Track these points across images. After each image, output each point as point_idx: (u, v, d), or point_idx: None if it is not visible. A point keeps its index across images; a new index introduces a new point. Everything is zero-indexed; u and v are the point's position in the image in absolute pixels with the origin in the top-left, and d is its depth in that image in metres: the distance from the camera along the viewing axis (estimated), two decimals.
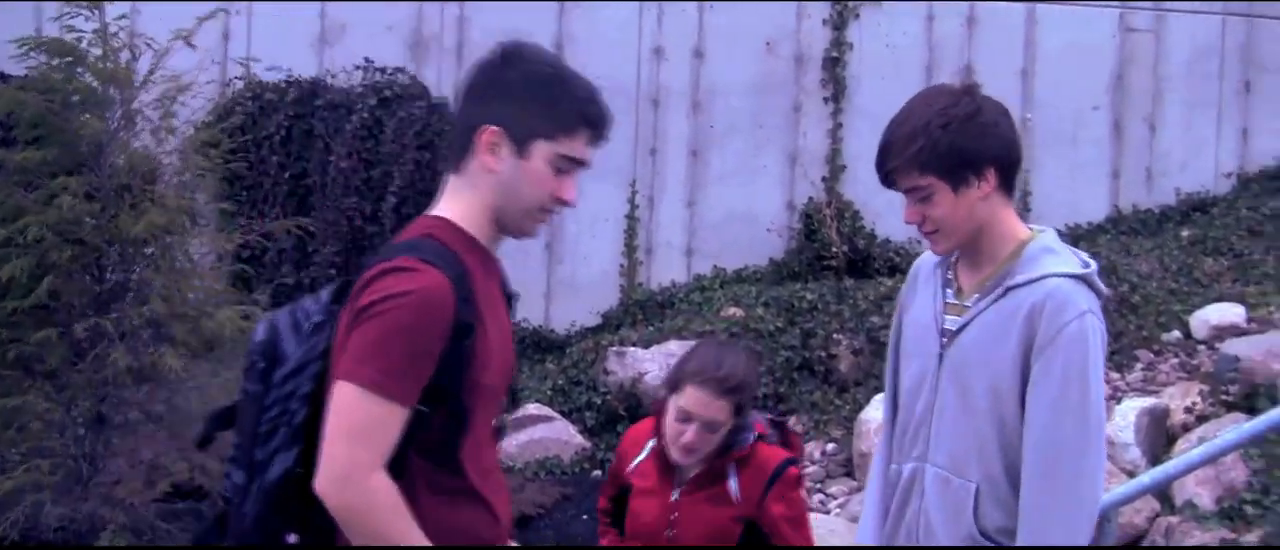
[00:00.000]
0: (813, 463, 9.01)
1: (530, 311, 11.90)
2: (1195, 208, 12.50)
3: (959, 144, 3.34)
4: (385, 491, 2.81)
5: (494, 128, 3.03)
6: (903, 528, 3.53)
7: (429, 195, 11.30)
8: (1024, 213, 12.31)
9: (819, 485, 8.76)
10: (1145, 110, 12.85)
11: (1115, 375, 8.75)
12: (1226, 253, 10.99)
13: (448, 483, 2.97)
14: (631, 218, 12.35)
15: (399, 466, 2.87)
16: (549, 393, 10.15)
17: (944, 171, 3.35)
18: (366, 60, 12.02)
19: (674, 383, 4.20)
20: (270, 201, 11.54)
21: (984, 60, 12.70)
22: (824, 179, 12.63)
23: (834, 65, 12.72)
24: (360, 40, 12.15)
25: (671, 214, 12.45)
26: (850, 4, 12.70)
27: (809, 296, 10.79)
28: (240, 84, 11.82)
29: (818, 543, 4.53)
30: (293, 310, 3.08)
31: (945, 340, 3.45)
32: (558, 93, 3.05)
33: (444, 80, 12.19)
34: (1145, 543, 6.80)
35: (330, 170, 11.60)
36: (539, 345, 11.81)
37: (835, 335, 10.12)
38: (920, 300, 3.58)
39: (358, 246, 11.58)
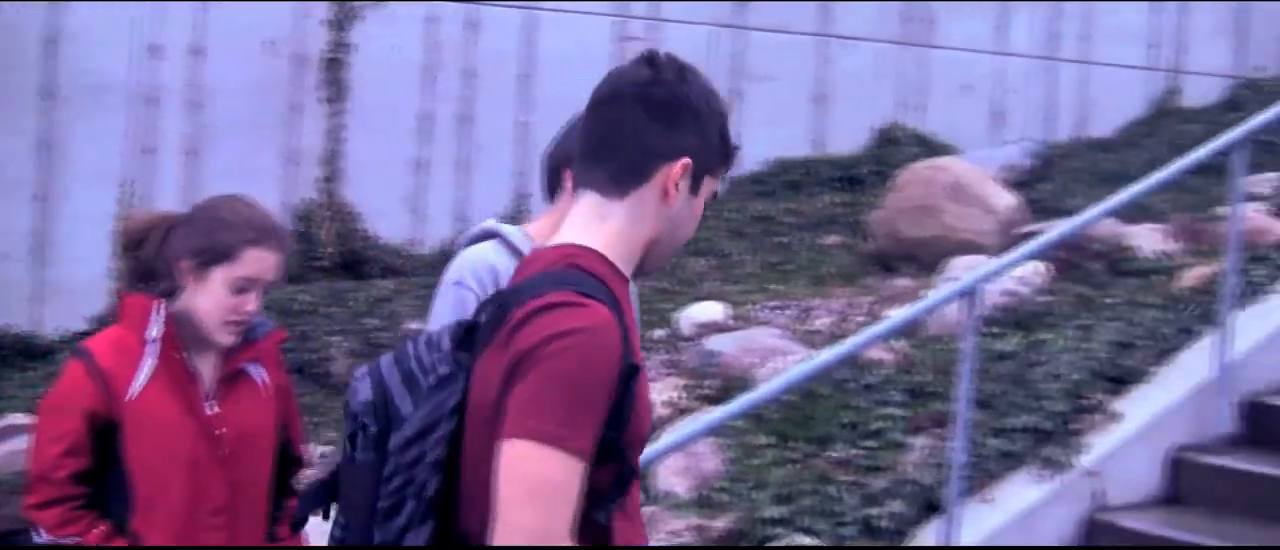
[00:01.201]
0: (310, 466, 8.82)
1: (16, 316, 11.27)
2: None
3: None
4: None
5: (687, 161, 2.62)
6: None
7: None
8: (522, 216, 12.48)
9: None
10: None
11: None
12: (713, 253, 11.37)
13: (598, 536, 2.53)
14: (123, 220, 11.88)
15: None
16: (35, 401, 9.61)
17: None
18: None
19: (218, 253, 3.59)
20: None
21: (485, 64, 12.77)
22: (325, 180, 12.46)
23: (335, 66, 12.55)
24: None
25: None
26: (352, 4, 12.56)
27: (305, 298, 10.61)
28: None
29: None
30: (398, 360, 2.60)
31: None
32: (725, 119, 2.72)
33: None
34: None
35: None
36: (26, 352, 11.17)
37: (330, 337, 9.97)
38: None
39: None
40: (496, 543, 2.33)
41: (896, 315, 6.86)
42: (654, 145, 2.63)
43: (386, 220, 12.31)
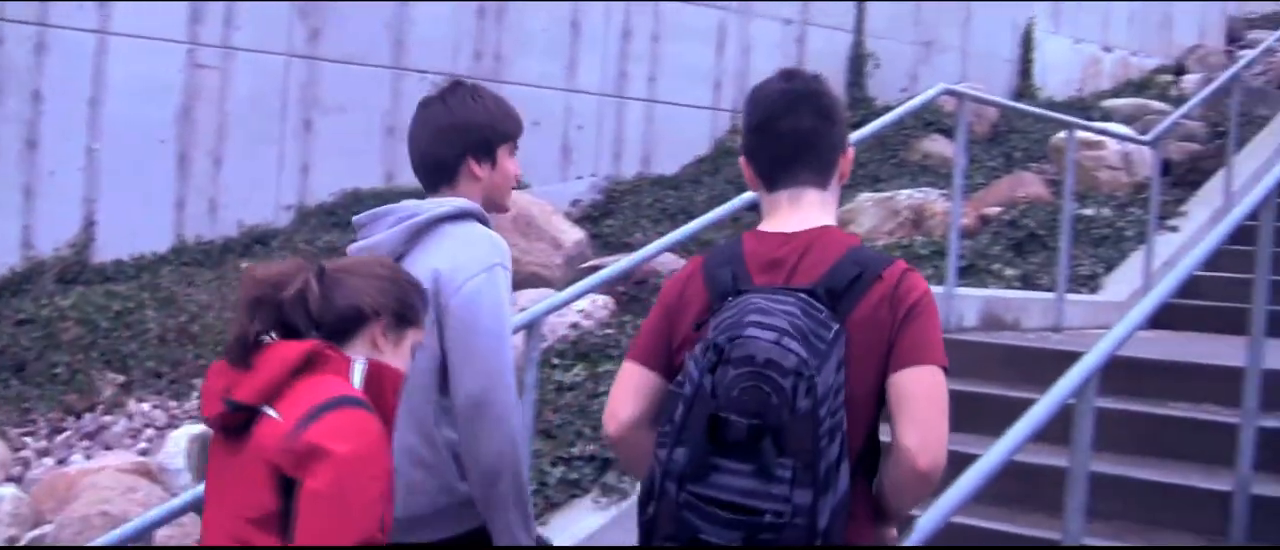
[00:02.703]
0: None
1: None
2: (257, 240, 12.74)
3: None
4: None
5: (851, 148, 3.50)
6: None
7: None
8: (88, 244, 12.17)
9: None
10: (211, 144, 12.97)
11: (173, 403, 8.77)
12: None
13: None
14: None
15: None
16: None
17: None
18: None
19: (414, 316, 3.38)
20: None
21: (53, 87, 12.33)
22: None
23: None
24: None
25: None
26: None
27: None
28: None
29: None
30: (787, 320, 3.01)
31: None
32: None
33: None
34: None
35: None
36: None
37: None
38: None
39: None
40: (918, 443, 3.05)
41: None
42: (834, 142, 3.39)
43: None
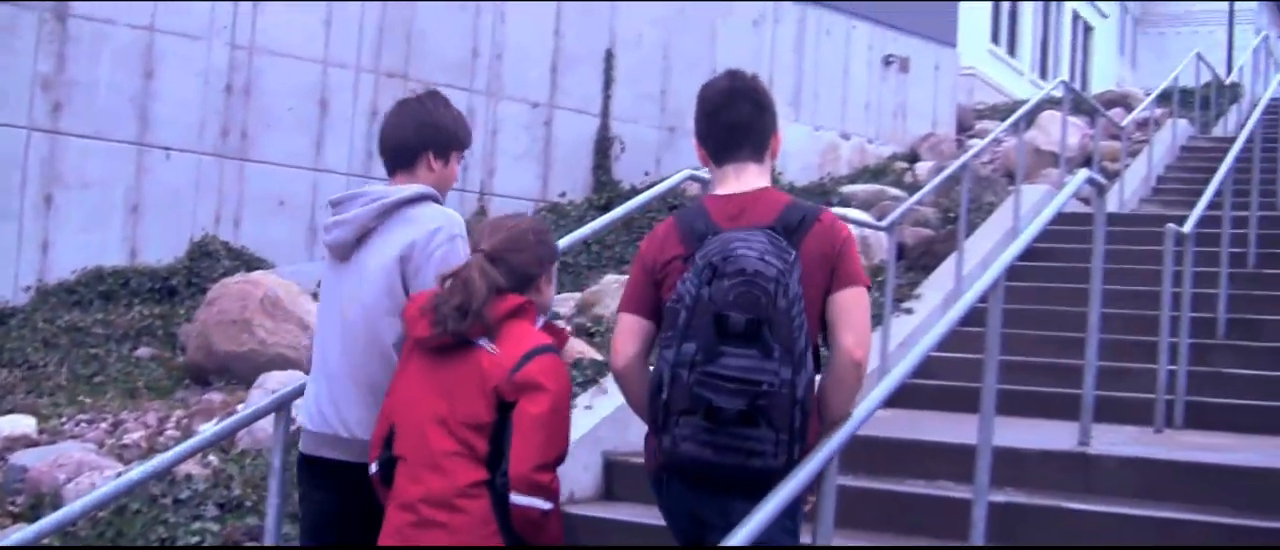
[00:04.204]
0: None
1: None
2: None
3: None
4: None
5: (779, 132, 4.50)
6: None
7: None
8: None
9: None
10: None
11: None
12: (21, 365, 10.98)
13: None
14: None
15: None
16: None
17: None
18: None
19: (556, 256, 4.66)
20: None
21: None
22: None
23: None
24: None
25: None
26: None
27: None
28: None
29: None
30: (761, 246, 3.99)
31: None
32: None
33: None
34: None
35: None
36: None
37: None
38: None
39: None
40: (854, 342, 4.15)
41: (209, 429, 6.90)
42: (767, 127, 4.42)
43: None
